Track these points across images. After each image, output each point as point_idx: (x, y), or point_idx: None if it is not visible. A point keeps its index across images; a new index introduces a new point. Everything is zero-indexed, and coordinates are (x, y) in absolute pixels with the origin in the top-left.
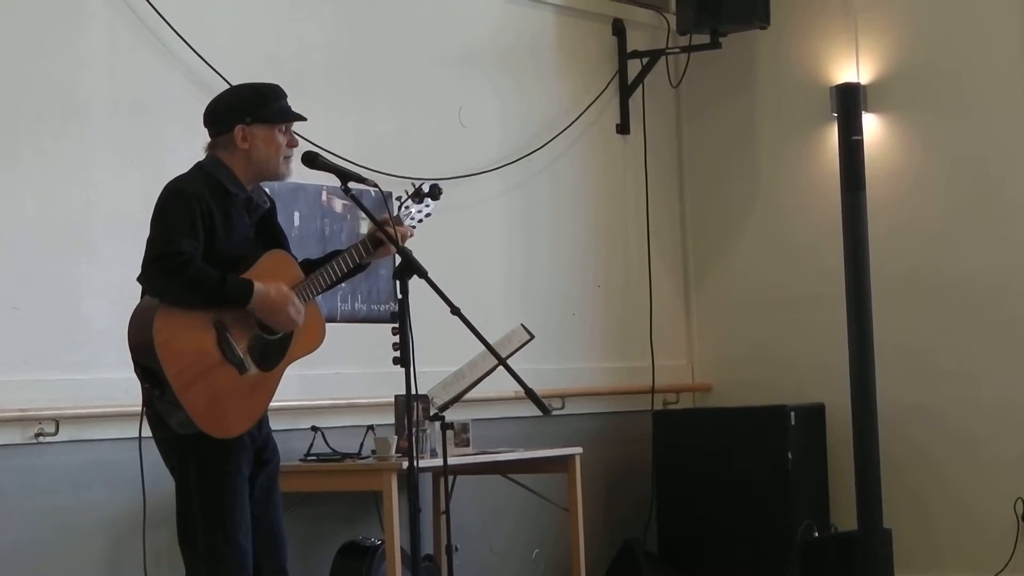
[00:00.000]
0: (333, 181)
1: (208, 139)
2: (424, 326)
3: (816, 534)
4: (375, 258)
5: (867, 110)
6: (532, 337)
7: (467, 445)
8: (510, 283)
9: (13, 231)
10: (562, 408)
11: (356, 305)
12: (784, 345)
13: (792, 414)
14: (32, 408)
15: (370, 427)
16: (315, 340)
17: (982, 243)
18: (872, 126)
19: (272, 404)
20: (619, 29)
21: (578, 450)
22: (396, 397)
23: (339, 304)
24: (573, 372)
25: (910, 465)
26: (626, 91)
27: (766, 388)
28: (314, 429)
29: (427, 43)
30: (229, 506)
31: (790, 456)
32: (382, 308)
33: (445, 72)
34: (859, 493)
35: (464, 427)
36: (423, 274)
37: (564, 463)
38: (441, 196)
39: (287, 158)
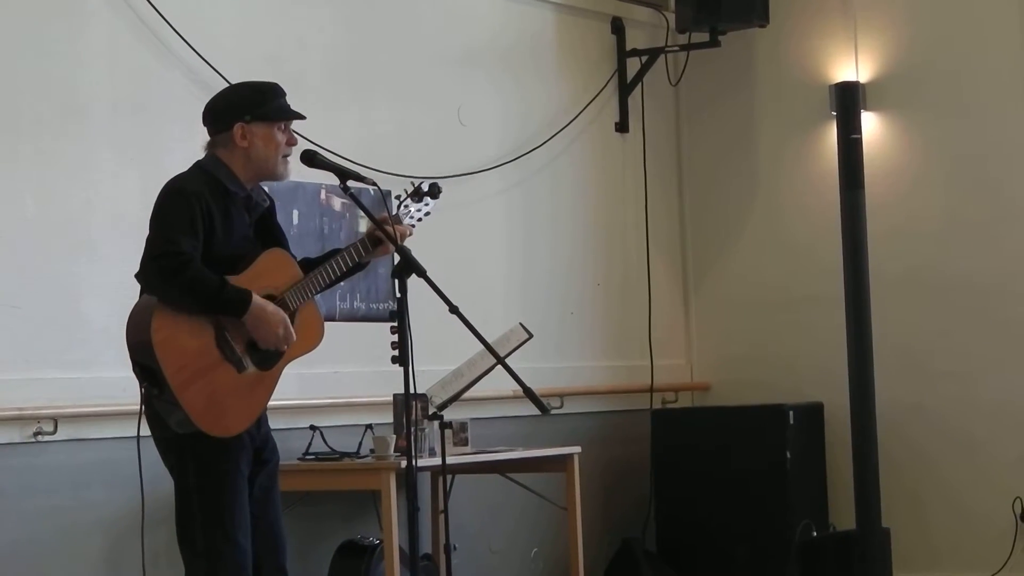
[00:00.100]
0: (332, 180)
1: (207, 138)
2: (423, 325)
3: (814, 533)
4: (374, 257)
5: (866, 109)
6: (531, 336)
7: (466, 444)
8: (509, 282)
9: (13, 230)
10: (561, 407)
11: (355, 304)
12: (783, 344)
13: (791, 413)
14: (31, 407)
15: (368, 426)
16: (314, 339)
17: (981, 243)
18: (871, 125)
19: (270, 403)
20: (618, 27)
21: (577, 449)
22: (395, 396)
23: (338, 303)
24: (572, 371)
25: (908, 465)
26: (625, 89)
27: (765, 387)
28: (312, 428)
29: (426, 42)
30: (228, 505)
31: (789, 455)
32: (381, 307)
33: (444, 71)
34: (857, 492)
35: (463, 426)
36: (422, 273)
37: (563, 462)
38: (440, 195)
39: (286, 157)
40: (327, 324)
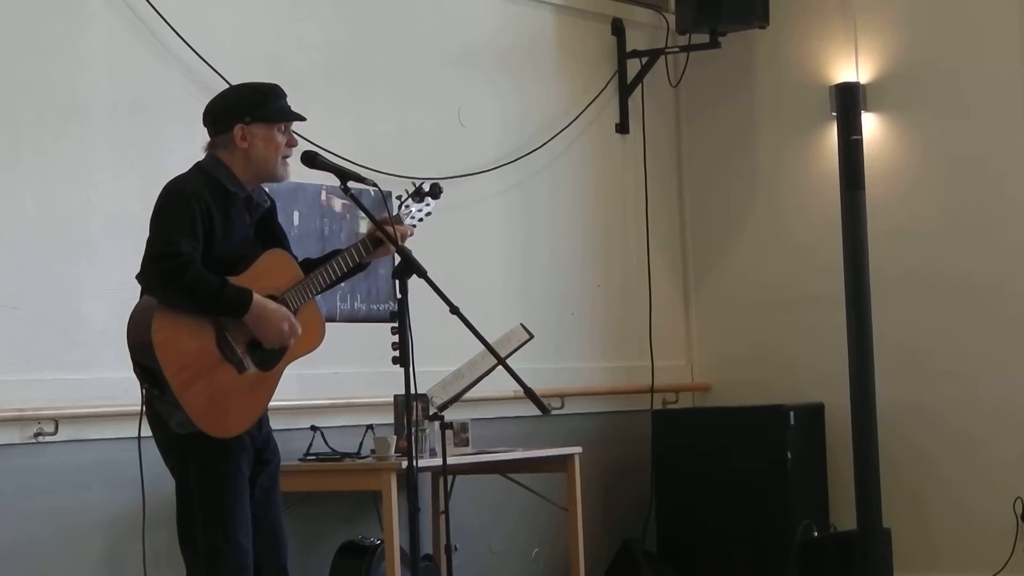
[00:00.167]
0: (332, 180)
1: (207, 138)
2: (423, 326)
3: (815, 534)
4: (375, 257)
5: (866, 110)
6: (531, 337)
7: (466, 445)
8: (509, 283)
9: (13, 231)
10: (561, 408)
11: (355, 304)
12: (783, 345)
13: (791, 414)
14: (31, 408)
15: (369, 427)
16: (315, 339)
17: (981, 243)
18: (871, 126)
19: (271, 404)
20: (618, 29)
21: (577, 450)
22: (395, 397)
23: (338, 303)
24: (572, 372)
25: (909, 465)
26: (625, 91)
27: (765, 388)
28: (313, 429)
29: (426, 43)
30: (229, 505)
31: (789, 456)
32: (381, 307)
33: (444, 72)
34: (858, 493)
35: (463, 427)
36: (422, 273)
37: (563, 463)
38: (441, 195)
39: (286, 158)
40: (328, 325)
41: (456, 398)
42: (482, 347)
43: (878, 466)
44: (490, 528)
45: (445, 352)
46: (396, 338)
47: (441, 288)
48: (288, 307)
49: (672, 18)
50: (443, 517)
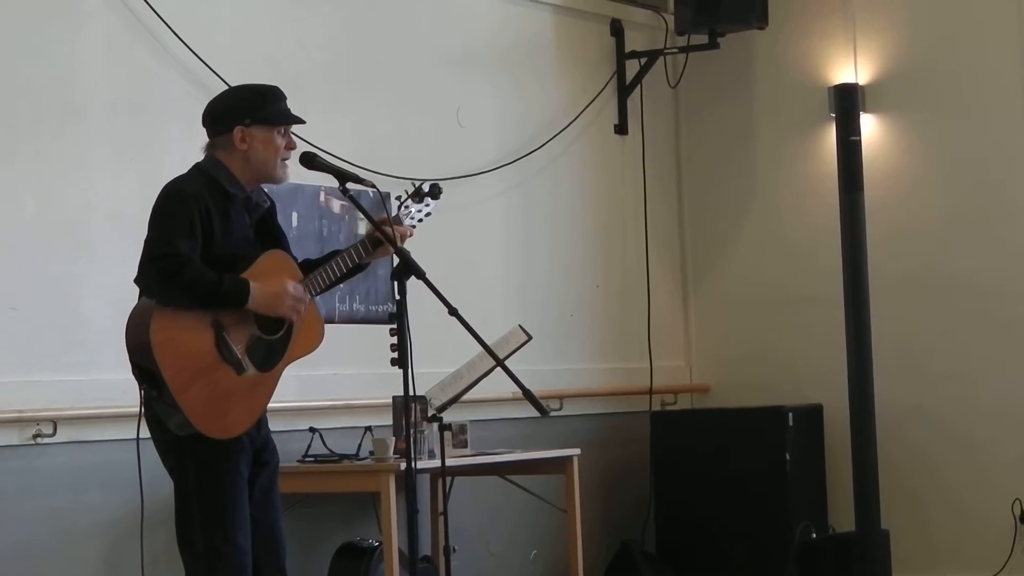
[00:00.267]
0: (331, 182)
1: (206, 139)
2: (422, 327)
3: (814, 535)
4: (374, 258)
5: (865, 110)
6: (530, 338)
7: (465, 446)
8: (508, 284)
9: (11, 231)
10: (560, 409)
11: (354, 306)
12: (782, 346)
13: (790, 415)
14: (30, 409)
15: (368, 428)
16: (314, 341)
17: (980, 244)
18: (870, 126)
19: (270, 405)
20: (617, 29)
21: (576, 451)
22: (394, 398)
23: (337, 305)
24: (571, 373)
25: (908, 466)
26: (624, 91)
27: (764, 389)
28: (312, 430)
29: (425, 43)
30: (228, 507)
31: (788, 457)
32: (380, 309)
33: (443, 72)
34: (857, 494)
35: (462, 428)
36: (421, 275)
37: (562, 464)
38: (441, 195)
39: (285, 160)
40: (326, 326)
41: (455, 400)
42: (481, 348)
43: (877, 467)
44: (489, 530)
45: (444, 354)
46: (395, 340)
47: (440, 289)
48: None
49: (671, 19)
50: (442, 519)
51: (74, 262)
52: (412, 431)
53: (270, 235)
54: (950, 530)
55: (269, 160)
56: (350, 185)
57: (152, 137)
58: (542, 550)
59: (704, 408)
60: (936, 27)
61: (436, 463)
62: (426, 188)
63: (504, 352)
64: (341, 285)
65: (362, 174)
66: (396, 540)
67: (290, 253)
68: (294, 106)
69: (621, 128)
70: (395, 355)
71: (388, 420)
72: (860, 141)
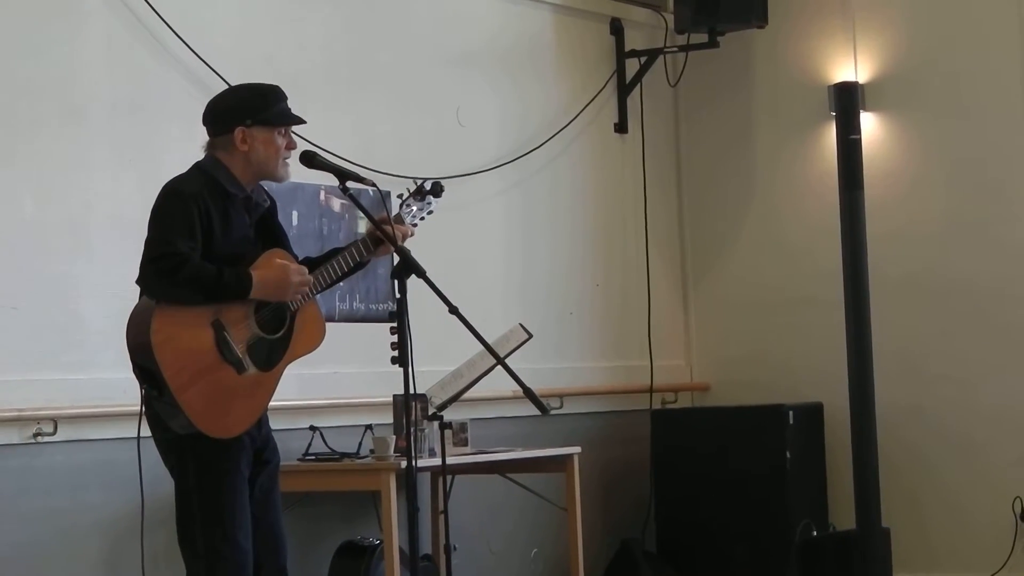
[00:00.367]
0: (331, 180)
1: (206, 138)
2: (422, 325)
3: (814, 533)
4: (375, 256)
5: (865, 109)
6: (530, 336)
7: (465, 445)
8: (508, 282)
9: (11, 231)
10: (560, 407)
11: (354, 304)
12: (782, 345)
13: (790, 414)
14: (30, 408)
15: (368, 427)
16: (315, 339)
17: (980, 244)
18: (870, 125)
19: (270, 404)
20: (617, 28)
21: (576, 449)
22: (394, 397)
23: (337, 303)
24: (571, 371)
25: (908, 465)
26: (624, 90)
27: (764, 388)
28: (312, 429)
29: (425, 42)
30: (229, 506)
31: (788, 456)
32: (380, 307)
33: (443, 71)
34: (857, 493)
35: (462, 427)
36: (421, 273)
37: (562, 463)
38: (442, 194)
39: (285, 160)
40: (327, 325)
41: (455, 398)
42: (481, 347)
43: (877, 466)
44: (489, 528)
45: (444, 352)
46: (395, 338)
47: (440, 288)
48: (288, 308)
49: (671, 18)
50: (442, 517)
51: (74, 262)
52: (412, 429)
53: (270, 234)
54: (950, 529)
55: (270, 160)
56: (350, 184)
57: (152, 137)
58: (542, 549)
59: (704, 407)
60: (936, 26)
61: (436, 461)
62: (427, 186)
63: (504, 350)
64: (341, 283)
65: (362, 173)
66: (396, 539)
67: (291, 252)
68: (294, 105)
69: (621, 127)
70: (395, 353)
71: (388, 418)
72: (860, 140)
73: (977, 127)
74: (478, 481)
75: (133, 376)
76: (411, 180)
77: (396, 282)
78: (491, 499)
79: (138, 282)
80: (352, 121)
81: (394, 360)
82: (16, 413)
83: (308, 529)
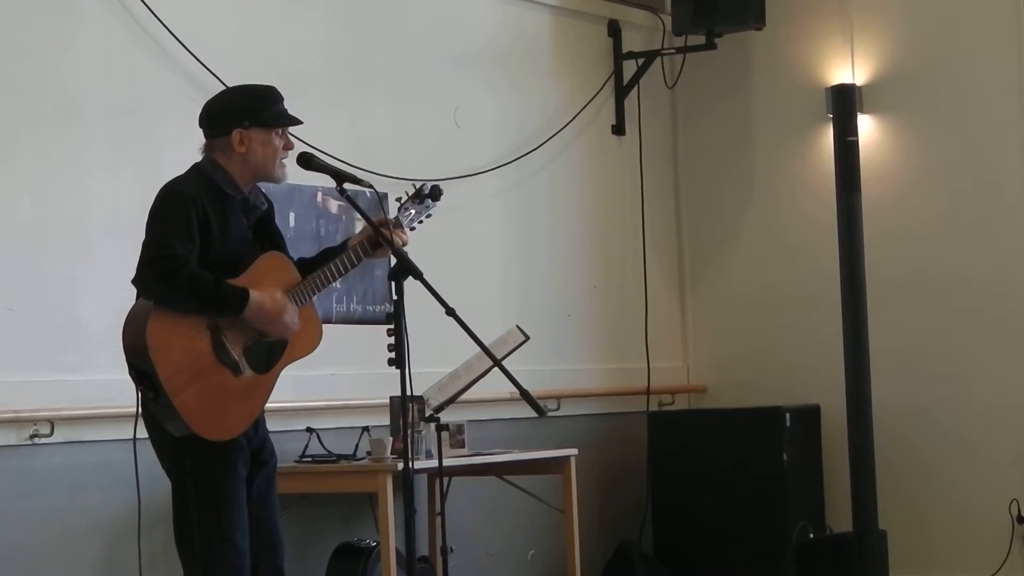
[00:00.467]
0: (329, 182)
1: (203, 140)
2: (419, 327)
3: (811, 535)
4: (372, 258)
5: (862, 111)
6: (527, 338)
7: (462, 446)
8: (506, 284)
9: (9, 232)
10: (557, 409)
11: (351, 306)
12: (779, 347)
13: (787, 415)
14: (27, 409)
15: (365, 428)
16: (312, 342)
17: (977, 245)
18: (867, 127)
19: (267, 405)
20: (615, 30)
21: (573, 451)
22: (391, 398)
23: (334, 305)
24: (569, 373)
25: (905, 467)
26: (622, 92)
27: (761, 390)
28: (309, 430)
29: (423, 44)
30: (226, 507)
31: (785, 457)
32: (377, 309)
33: (441, 73)
34: (854, 494)
35: (459, 428)
36: (418, 275)
37: (560, 464)
38: (441, 197)
39: (283, 161)
40: (324, 326)
41: (452, 400)
42: (478, 349)
43: (874, 468)
44: (486, 530)
45: (441, 354)
46: (392, 340)
47: (437, 290)
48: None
49: (668, 19)
50: (439, 519)
51: (72, 262)
52: (409, 431)
53: (268, 236)
54: (947, 530)
55: (268, 161)
56: (347, 185)
57: (150, 137)
58: (540, 550)
59: (701, 409)
60: (934, 28)
61: (433, 463)
62: (426, 190)
63: (502, 352)
64: (337, 284)
65: (360, 174)
66: (393, 540)
67: (287, 254)
68: (292, 106)
69: (619, 128)
70: (392, 355)
71: (386, 420)
72: (857, 142)
73: (974, 129)
74: (475, 483)
75: (130, 377)
76: (409, 181)
77: (393, 284)
78: (488, 501)
79: (134, 282)
80: (350, 122)
81: (391, 362)
82: (13, 414)
83: (305, 530)
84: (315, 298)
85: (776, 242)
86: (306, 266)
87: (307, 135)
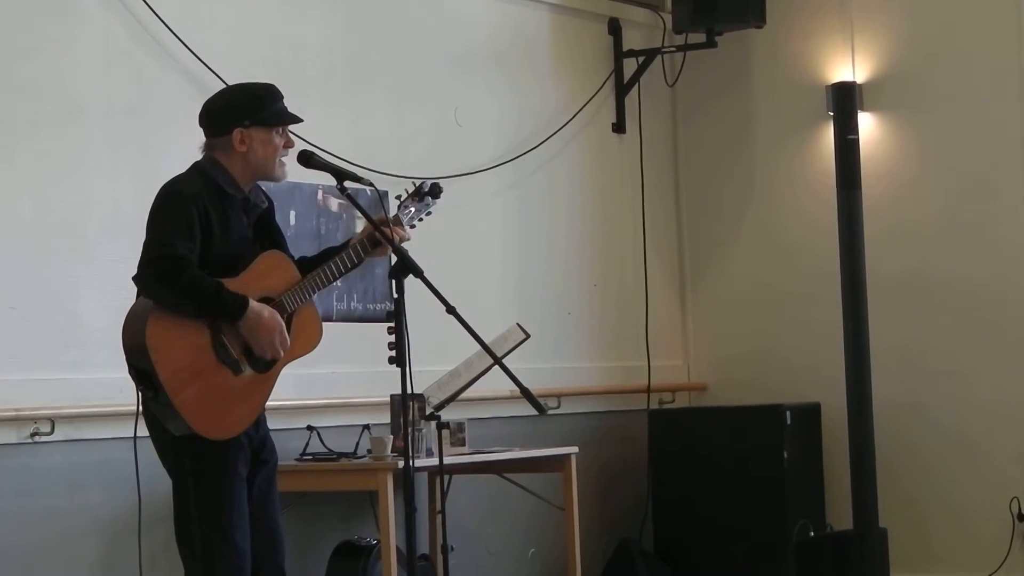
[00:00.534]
0: (329, 180)
1: (203, 139)
2: (420, 325)
3: (812, 533)
4: (372, 257)
5: (863, 109)
6: (528, 336)
7: (463, 444)
8: (506, 282)
9: (9, 232)
10: (558, 407)
11: (352, 304)
12: (780, 345)
13: (788, 413)
14: (28, 407)
15: (366, 426)
16: (313, 340)
17: (977, 243)
18: (868, 125)
19: (268, 403)
20: (615, 28)
21: (574, 449)
22: (392, 396)
23: (335, 303)
24: (569, 371)
25: (905, 465)
26: (622, 90)
27: (762, 388)
28: (310, 428)
29: (423, 42)
30: (226, 506)
31: (786, 455)
32: (378, 307)
33: (441, 71)
34: (854, 493)
35: (460, 426)
36: (419, 273)
37: (560, 462)
38: (441, 195)
39: (283, 159)
40: (324, 325)
41: (452, 398)
42: (478, 347)
43: (874, 466)
44: (487, 528)
45: (442, 352)
46: (392, 338)
47: (437, 288)
48: (284, 309)
49: (669, 17)
50: (439, 517)
51: (72, 262)
52: (410, 429)
53: (268, 235)
54: (948, 528)
55: (268, 160)
56: (348, 184)
57: (150, 138)
58: (540, 548)
59: (702, 407)
60: (934, 26)
61: (434, 461)
62: (426, 187)
63: (502, 350)
64: (338, 283)
65: (360, 173)
66: (394, 538)
67: (288, 252)
68: (292, 105)
69: (619, 127)
70: (393, 353)
71: (386, 418)
72: (858, 140)
73: (974, 127)
74: (475, 481)
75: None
76: (409, 180)
77: (394, 282)
78: (489, 499)
79: (135, 280)
80: (350, 121)
81: (392, 360)
82: (14, 413)
83: (306, 529)
84: (315, 297)
85: (776, 240)
86: (307, 265)
87: (307, 134)
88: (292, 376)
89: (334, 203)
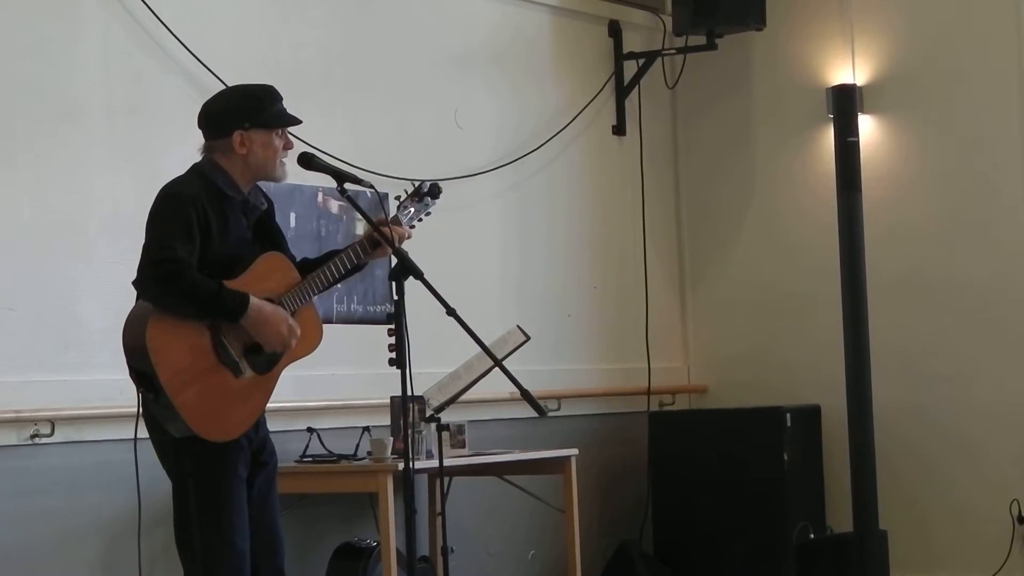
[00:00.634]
0: (329, 182)
1: (202, 140)
2: (420, 327)
3: (812, 535)
4: (372, 258)
5: (863, 111)
6: (528, 338)
7: (463, 446)
8: (506, 284)
9: (9, 233)
10: (558, 409)
11: (352, 306)
12: (780, 346)
13: (788, 415)
14: (28, 409)
15: (366, 428)
16: (313, 342)
17: (977, 245)
18: (868, 127)
19: (268, 405)
20: (615, 30)
21: (574, 451)
22: (392, 398)
23: (335, 305)
24: (569, 373)
25: (906, 467)
26: (622, 92)
27: (762, 389)
28: (310, 430)
29: (423, 44)
30: (226, 508)
31: (786, 457)
32: (378, 309)
33: (441, 73)
34: (855, 494)
35: (460, 428)
36: (419, 275)
37: (560, 464)
38: (440, 195)
39: (283, 160)
40: (324, 326)
41: (452, 400)
42: (478, 349)
43: (875, 468)
44: (487, 530)
45: (442, 354)
46: (392, 340)
47: (438, 290)
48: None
49: (669, 20)
50: (439, 519)
51: (72, 263)
52: (410, 431)
53: (268, 236)
54: (948, 530)
55: (268, 162)
56: (348, 185)
57: (149, 139)
58: (540, 550)
59: (702, 409)
60: (934, 28)
61: (434, 463)
62: (425, 188)
63: (502, 352)
64: (339, 285)
65: (360, 174)
66: (394, 540)
67: (288, 254)
68: (292, 107)
69: (619, 129)
70: (393, 355)
71: (386, 420)
72: (858, 142)
73: (974, 129)
74: (475, 483)
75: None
76: (409, 181)
77: (394, 284)
78: (489, 501)
79: (135, 284)
80: (350, 123)
81: (392, 362)
82: (14, 414)
83: (305, 531)
84: (315, 298)
85: (776, 242)
86: (309, 267)
87: (307, 135)
88: (292, 377)
89: (334, 205)
